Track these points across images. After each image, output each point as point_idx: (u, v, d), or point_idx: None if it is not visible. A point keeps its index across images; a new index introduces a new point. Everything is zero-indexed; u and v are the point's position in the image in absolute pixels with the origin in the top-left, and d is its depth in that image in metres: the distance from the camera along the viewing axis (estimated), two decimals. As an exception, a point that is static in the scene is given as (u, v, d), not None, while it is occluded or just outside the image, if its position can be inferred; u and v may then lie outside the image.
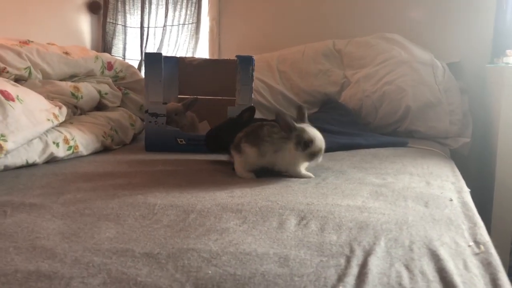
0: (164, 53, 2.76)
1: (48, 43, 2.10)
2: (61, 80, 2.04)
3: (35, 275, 0.75)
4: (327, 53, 2.72)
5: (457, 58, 2.66)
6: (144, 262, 0.80)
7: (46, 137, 1.62)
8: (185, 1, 3.15)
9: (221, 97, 2.18)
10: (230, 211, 1.09)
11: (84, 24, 3.22)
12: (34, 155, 1.57)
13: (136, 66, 3.00)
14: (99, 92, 2.15)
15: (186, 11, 3.15)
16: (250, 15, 3.10)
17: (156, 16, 3.21)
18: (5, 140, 1.41)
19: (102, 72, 2.24)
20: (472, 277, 0.79)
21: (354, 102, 2.45)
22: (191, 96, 2.10)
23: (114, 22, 3.25)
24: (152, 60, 1.97)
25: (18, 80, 1.86)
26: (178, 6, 3.16)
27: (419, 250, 0.88)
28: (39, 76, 1.95)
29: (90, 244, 0.88)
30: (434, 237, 0.94)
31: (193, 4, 3.14)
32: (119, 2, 3.24)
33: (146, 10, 3.20)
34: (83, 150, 1.77)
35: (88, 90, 2.07)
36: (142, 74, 2.54)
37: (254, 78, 1.97)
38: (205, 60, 2.33)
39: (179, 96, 2.25)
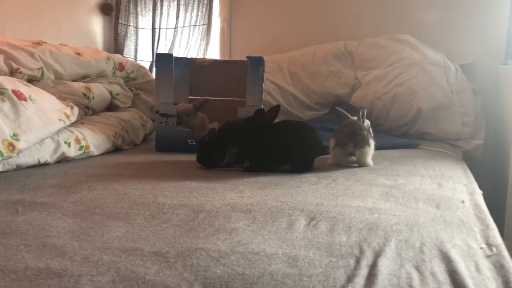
0: (175, 54, 2.77)
1: (61, 44, 2.12)
2: (73, 80, 2.05)
3: (44, 273, 0.75)
4: (338, 54, 2.72)
5: (470, 59, 2.63)
6: (153, 261, 0.80)
7: (58, 137, 1.63)
8: (196, 3, 3.16)
9: (231, 98, 2.18)
10: (239, 211, 1.09)
11: (96, 26, 3.24)
12: (46, 154, 1.58)
13: (147, 67, 3.01)
14: (111, 92, 2.16)
15: (197, 12, 3.16)
16: (261, 17, 3.10)
17: (168, 17, 3.22)
18: (18, 140, 1.42)
19: (114, 73, 2.25)
20: (484, 280, 0.78)
21: (365, 104, 2.44)
22: (202, 97, 2.11)
23: (126, 23, 3.27)
24: (163, 61, 1.98)
25: (31, 80, 1.88)
26: (190, 8, 3.17)
27: (430, 251, 0.87)
28: (52, 76, 1.97)
29: (99, 243, 0.88)
30: (445, 239, 0.93)
31: (204, 6, 3.15)
32: (131, 4, 3.26)
33: (158, 12, 3.22)
34: (94, 150, 1.78)
35: (99, 90, 2.08)
36: (153, 75, 2.55)
37: (264, 79, 1.97)
38: (215, 61, 2.34)
39: (189, 97, 2.26)
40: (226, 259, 0.81)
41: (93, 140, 1.78)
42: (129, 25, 3.28)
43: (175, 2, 3.19)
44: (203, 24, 3.16)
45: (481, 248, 0.91)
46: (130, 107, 2.29)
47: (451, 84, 2.38)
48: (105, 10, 3.27)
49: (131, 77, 2.36)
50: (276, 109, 1.68)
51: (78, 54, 2.10)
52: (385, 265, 0.80)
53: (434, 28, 2.74)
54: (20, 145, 1.43)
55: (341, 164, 1.69)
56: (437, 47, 2.64)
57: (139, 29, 3.28)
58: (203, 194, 1.25)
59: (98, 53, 2.25)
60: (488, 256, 0.87)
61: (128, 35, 3.28)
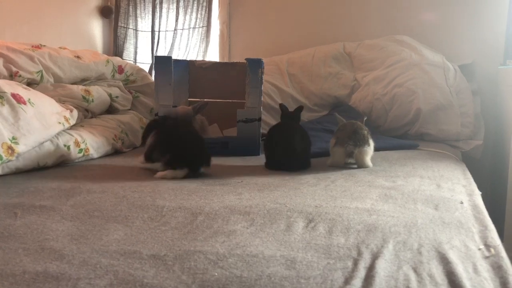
0: (174, 57, 2.77)
1: (60, 47, 2.13)
2: (72, 83, 2.06)
3: (42, 276, 0.75)
4: (337, 56, 2.72)
5: (469, 60, 2.63)
6: (151, 264, 0.81)
7: (57, 140, 1.63)
8: (195, 5, 3.17)
9: (230, 100, 2.19)
10: (238, 213, 1.09)
11: (96, 28, 3.25)
12: (45, 157, 1.58)
13: (147, 69, 3.02)
14: (110, 95, 2.17)
15: (197, 15, 3.17)
16: (260, 19, 3.11)
17: (167, 20, 3.23)
18: (17, 143, 1.43)
19: (113, 76, 2.26)
20: (482, 281, 0.78)
21: (364, 105, 2.44)
22: (202, 100, 2.11)
23: (125, 26, 3.28)
24: (162, 63, 1.98)
25: (30, 83, 1.88)
26: (189, 10, 3.18)
27: (428, 253, 0.87)
28: (51, 79, 1.97)
29: (98, 246, 0.89)
30: (444, 240, 0.93)
31: (204, 8, 3.16)
32: (131, 7, 3.27)
33: (157, 14, 3.22)
34: (93, 153, 1.78)
35: (99, 93, 2.09)
36: (153, 77, 2.55)
37: (263, 80, 1.97)
38: (215, 63, 2.34)
39: (189, 99, 2.26)
40: (224, 262, 0.81)
41: (92, 143, 1.79)
42: (129, 28, 3.28)
43: (175, 5, 3.19)
44: (202, 27, 3.16)
45: (480, 249, 0.91)
46: (129, 109, 2.30)
47: (450, 84, 2.38)
48: (105, 13, 3.28)
49: (131, 80, 2.36)
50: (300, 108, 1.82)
51: (78, 57, 2.10)
52: (383, 267, 0.80)
53: (433, 29, 2.75)
54: (20, 148, 1.43)
55: (340, 165, 1.70)
56: (436, 48, 2.64)
57: (139, 32, 3.28)
58: (201, 196, 1.25)
59: (97, 56, 2.26)
60: (486, 257, 0.87)
61: (128, 38, 3.28)
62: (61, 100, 1.87)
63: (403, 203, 1.20)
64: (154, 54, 3.21)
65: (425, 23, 2.75)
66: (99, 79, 2.21)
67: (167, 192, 1.29)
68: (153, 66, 3.10)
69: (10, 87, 1.55)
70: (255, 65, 1.95)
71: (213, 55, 3.20)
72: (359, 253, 0.86)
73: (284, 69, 2.72)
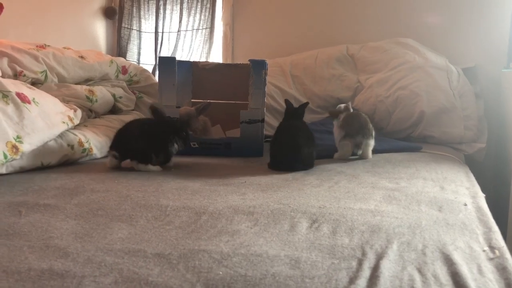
0: (178, 58, 2.78)
1: (64, 47, 2.13)
2: (76, 83, 2.07)
3: (48, 273, 0.75)
4: (340, 58, 2.72)
5: (472, 63, 2.63)
6: (156, 262, 0.81)
7: (61, 139, 1.64)
8: (199, 7, 3.17)
9: (234, 101, 2.19)
10: (241, 213, 1.09)
11: (100, 29, 3.26)
12: (49, 157, 1.59)
13: (150, 70, 3.02)
14: (114, 95, 2.17)
15: (200, 16, 3.18)
16: (263, 20, 3.11)
17: (171, 21, 3.23)
18: (21, 142, 1.43)
19: (117, 76, 2.27)
20: (486, 282, 0.77)
21: (367, 107, 2.44)
22: (205, 101, 2.11)
23: (129, 27, 3.29)
24: (166, 64, 1.99)
25: (35, 83, 1.89)
26: (192, 12, 3.19)
27: (432, 254, 0.87)
28: (55, 79, 1.98)
29: (102, 244, 0.89)
30: (448, 241, 0.93)
31: (207, 10, 3.17)
32: (134, 8, 3.28)
33: (161, 16, 3.23)
34: (97, 152, 1.78)
35: (102, 93, 2.09)
36: (156, 78, 2.56)
37: (267, 82, 1.98)
38: (218, 64, 2.35)
39: (192, 100, 2.26)
40: (228, 261, 0.81)
41: (96, 142, 1.79)
42: (132, 29, 3.29)
43: (178, 6, 3.20)
44: (206, 28, 3.17)
45: (484, 250, 0.91)
46: (133, 110, 2.30)
47: (454, 87, 2.38)
48: (109, 14, 3.29)
49: (134, 80, 2.37)
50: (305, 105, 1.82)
51: (82, 57, 2.11)
52: (387, 267, 0.80)
53: (436, 31, 2.75)
54: (24, 147, 1.44)
55: (347, 157, 1.84)
56: (440, 50, 2.64)
57: (142, 33, 3.29)
58: (205, 196, 1.25)
59: (101, 56, 2.26)
60: (490, 259, 0.87)
61: (131, 39, 3.29)
62: (65, 100, 1.88)
63: (407, 204, 1.20)
64: (158, 55, 3.22)
65: (429, 26, 2.76)
66: (103, 79, 2.21)
67: (170, 191, 1.29)
68: (157, 67, 3.11)
69: (15, 86, 1.56)
70: (259, 66, 1.95)
71: (217, 56, 3.20)
72: (364, 253, 0.86)
73: (287, 70, 2.73)
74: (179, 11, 3.20)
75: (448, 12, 2.73)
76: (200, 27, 3.18)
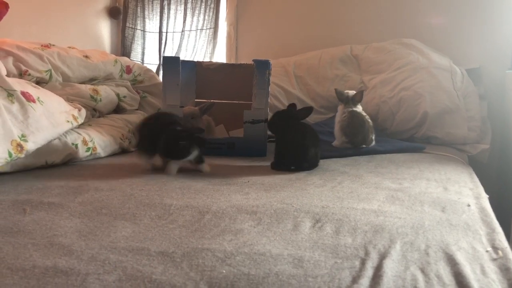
0: (182, 58, 2.78)
1: (69, 47, 2.14)
2: (80, 83, 2.07)
3: (52, 271, 0.76)
4: (344, 58, 2.72)
5: (477, 64, 2.62)
6: (159, 261, 0.81)
7: (65, 138, 1.64)
8: (203, 7, 3.18)
9: (237, 101, 2.19)
10: (245, 212, 1.10)
11: (104, 29, 3.27)
12: (54, 155, 1.60)
13: (154, 70, 3.03)
14: (118, 95, 2.18)
15: (204, 16, 3.18)
16: (267, 21, 3.11)
17: (175, 21, 3.24)
18: (26, 141, 1.44)
19: (121, 76, 2.27)
20: (489, 282, 0.78)
21: (371, 108, 2.44)
22: (208, 101, 2.11)
23: (133, 27, 3.30)
24: (170, 63, 1.99)
25: (39, 82, 1.90)
26: (196, 12, 3.19)
27: (435, 254, 0.87)
28: (59, 78, 1.98)
29: (106, 242, 0.89)
30: (451, 241, 0.93)
31: (211, 10, 3.17)
32: (139, 8, 3.29)
33: (165, 15, 3.24)
34: (101, 151, 1.79)
35: (107, 93, 2.10)
36: (160, 78, 2.57)
37: (270, 82, 1.98)
38: (222, 64, 2.35)
39: (196, 100, 2.27)
40: (231, 260, 0.82)
41: (100, 142, 1.80)
42: (137, 29, 3.30)
43: (182, 6, 3.21)
44: (210, 28, 3.18)
45: (487, 251, 0.91)
46: (137, 109, 2.31)
47: (457, 88, 2.37)
48: (113, 13, 3.30)
49: (138, 80, 2.37)
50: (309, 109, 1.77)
51: (86, 56, 2.11)
52: (390, 267, 0.80)
53: (440, 32, 2.74)
54: (28, 146, 1.44)
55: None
56: (443, 51, 2.64)
57: (146, 33, 3.30)
58: (208, 195, 1.25)
59: (105, 56, 2.27)
60: (494, 259, 0.87)
61: (136, 39, 3.30)
62: (69, 99, 1.89)
63: (410, 205, 1.20)
64: (162, 55, 3.23)
65: (433, 27, 2.75)
66: (107, 78, 2.22)
67: (174, 191, 1.30)
68: (161, 66, 3.12)
69: (20, 85, 1.56)
70: (263, 66, 1.95)
71: (220, 56, 3.21)
72: (367, 253, 0.86)
73: (291, 71, 2.73)
74: (183, 11, 3.21)
75: (452, 13, 2.72)
76: (204, 27, 3.19)
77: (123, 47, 3.30)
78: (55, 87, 1.93)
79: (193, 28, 3.20)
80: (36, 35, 2.56)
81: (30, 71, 1.84)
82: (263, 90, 1.95)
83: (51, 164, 1.59)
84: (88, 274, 0.75)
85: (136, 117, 2.16)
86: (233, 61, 3.12)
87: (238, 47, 3.17)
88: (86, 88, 2.01)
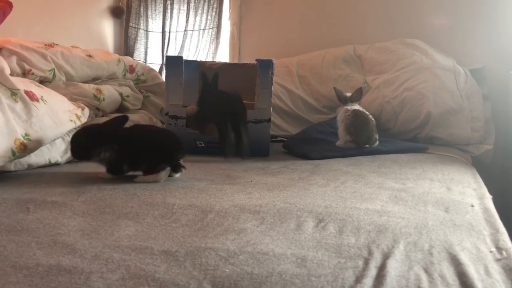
0: (184, 58, 2.79)
1: (72, 46, 2.14)
2: (84, 82, 2.08)
3: (55, 269, 0.76)
4: (347, 58, 2.72)
5: (480, 64, 2.62)
6: (162, 259, 0.81)
7: (69, 137, 1.64)
8: (206, 7, 3.18)
9: (240, 101, 2.19)
10: (248, 212, 1.10)
11: (107, 28, 3.28)
12: (57, 155, 1.60)
13: (157, 70, 3.03)
14: (121, 94, 2.18)
15: (207, 16, 3.19)
16: (270, 20, 3.11)
17: (178, 21, 3.25)
18: (29, 140, 1.44)
19: (124, 75, 2.27)
20: (493, 283, 0.77)
21: (374, 108, 2.44)
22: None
23: (136, 26, 3.30)
24: (173, 63, 2.00)
25: (43, 81, 1.90)
26: (199, 11, 3.20)
27: (439, 254, 0.87)
28: (63, 78, 1.99)
29: (109, 241, 0.89)
30: (455, 242, 0.93)
31: (214, 10, 3.17)
32: (142, 7, 3.29)
33: (168, 15, 3.24)
34: (104, 151, 1.79)
35: (110, 92, 2.10)
36: (163, 78, 2.57)
37: (273, 82, 1.98)
38: (225, 64, 2.35)
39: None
40: (235, 259, 0.82)
41: (103, 141, 1.80)
42: (140, 28, 3.31)
43: (185, 6, 3.22)
44: (212, 28, 3.18)
45: (491, 251, 0.90)
46: (140, 109, 2.31)
47: (461, 89, 2.37)
48: (116, 13, 3.30)
49: (141, 80, 2.38)
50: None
51: (89, 56, 2.12)
52: (394, 267, 0.80)
53: (444, 33, 2.74)
54: (32, 145, 1.45)
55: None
56: (447, 52, 2.63)
57: (149, 32, 3.31)
58: (211, 195, 1.25)
59: (108, 55, 2.27)
60: (497, 260, 0.87)
61: (139, 38, 3.30)
62: (72, 98, 1.89)
63: (413, 205, 1.20)
64: (164, 55, 3.23)
65: (437, 27, 2.75)
66: (110, 78, 2.22)
67: (177, 190, 1.30)
68: (164, 66, 3.12)
69: (23, 84, 1.57)
70: (266, 66, 1.95)
71: (223, 56, 3.21)
72: (370, 253, 0.86)
73: (294, 71, 2.73)
74: (186, 10, 3.21)
75: (456, 13, 2.72)
76: (207, 27, 3.19)
77: (126, 46, 3.30)
78: (59, 86, 1.93)
79: (196, 27, 3.21)
80: (40, 34, 2.56)
81: (33, 70, 1.85)
82: (266, 90, 1.95)
83: (54, 163, 1.60)
84: (91, 272, 0.75)
85: (139, 117, 2.17)
86: (236, 61, 3.12)
87: (241, 46, 3.17)
88: (90, 88, 2.01)
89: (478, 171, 1.82)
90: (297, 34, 3.04)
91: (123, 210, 1.10)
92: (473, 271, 0.80)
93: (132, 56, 3.23)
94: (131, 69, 2.31)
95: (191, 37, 3.21)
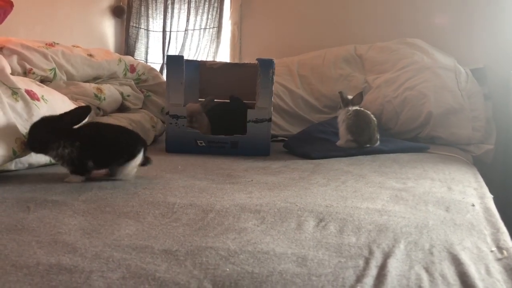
0: (185, 57, 2.79)
1: (73, 46, 2.14)
2: (84, 81, 2.08)
3: (56, 268, 0.76)
4: (348, 58, 2.72)
5: (481, 64, 2.61)
6: (163, 259, 0.81)
7: (69, 136, 1.64)
8: (206, 6, 3.18)
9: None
10: (248, 211, 1.10)
11: (108, 28, 3.28)
12: (57, 154, 1.60)
13: (157, 69, 3.03)
14: (122, 94, 2.18)
15: (208, 15, 3.18)
16: (271, 20, 3.11)
17: (178, 20, 3.25)
18: (30, 139, 1.44)
19: (125, 75, 2.27)
20: (494, 282, 0.77)
21: (375, 107, 2.43)
22: (208, 97, 2.12)
23: (137, 26, 3.30)
24: (174, 62, 1.99)
25: (44, 81, 1.90)
26: (200, 11, 3.19)
27: (440, 253, 0.86)
28: (64, 77, 1.99)
29: (110, 240, 0.89)
30: (455, 241, 0.93)
31: (215, 9, 3.17)
32: (142, 7, 3.29)
33: (169, 15, 3.24)
34: (104, 150, 1.79)
35: (111, 92, 2.10)
36: (164, 77, 2.57)
37: (274, 81, 1.97)
38: (226, 63, 2.35)
39: (199, 99, 2.27)
40: (235, 258, 0.81)
41: (103, 140, 1.80)
42: (140, 28, 3.30)
43: (186, 5, 3.21)
44: (213, 27, 3.18)
45: (492, 251, 0.90)
46: (140, 108, 2.31)
47: (462, 88, 2.37)
48: (117, 12, 3.30)
49: (142, 79, 2.38)
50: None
51: (90, 55, 2.12)
52: (395, 266, 0.80)
53: (445, 32, 2.73)
54: (33, 144, 1.45)
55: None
56: (448, 51, 2.63)
57: (150, 32, 3.31)
58: (212, 194, 1.25)
59: (109, 54, 2.27)
60: (498, 259, 0.87)
61: (139, 38, 3.30)
62: (73, 98, 1.89)
63: (414, 204, 1.20)
64: (165, 54, 3.23)
65: (437, 27, 2.75)
66: (111, 77, 2.22)
67: (177, 189, 1.30)
68: (164, 66, 3.12)
69: (24, 83, 1.57)
70: (266, 65, 1.95)
71: (224, 55, 3.21)
72: (371, 252, 0.86)
73: (295, 70, 2.73)
74: (186, 10, 3.21)
75: (457, 13, 2.72)
76: (208, 27, 3.19)
77: (127, 46, 3.30)
78: (60, 85, 1.93)
79: (197, 27, 3.20)
80: (41, 34, 2.56)
81: (34, 69, 1.85)
82: (267, 89, 1.95)
83: (55, 162, 1.59)
84: (92, 271, 0.75)
85: (140, 116, 2.17)
86: (236, 61, 3.12)
87: (241, 46, 3.17)
88: (90, 87, 2.02)
89: (479, 170, 1.81)
90: (298, 34, 3.04)
91: (123, 209, 1.10)
92: (474, 271, 0.80)
93: (133, 55, 3.22)
94: (132, 69, 2.31)
95: (192, 36, 3.21)
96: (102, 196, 1.21)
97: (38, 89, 1.62)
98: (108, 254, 0.82)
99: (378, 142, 2.04)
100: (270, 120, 1.96)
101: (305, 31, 3.02)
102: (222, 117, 2.11)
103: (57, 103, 1.66)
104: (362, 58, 2.71)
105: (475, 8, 2.68)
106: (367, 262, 0.82)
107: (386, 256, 0.84)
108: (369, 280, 0.75)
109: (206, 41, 3.19)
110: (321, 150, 1.95)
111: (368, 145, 2.00)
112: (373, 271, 0.78)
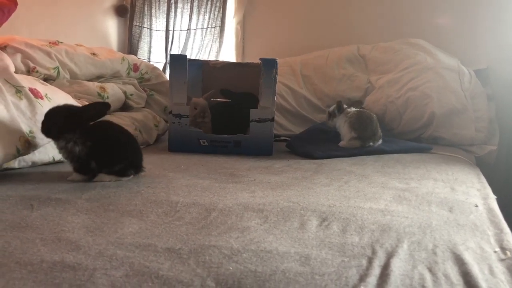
0: (188, 56, 2.79)
1: (77, 44, 2.15)
2: (88, 80, 2.08)
3: (60, 266, 0.76)
4: (351, 58, 2.71)
5: (484, 64, 2.61)
6: (166, 257, 0.81)
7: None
8: (209, 5, 3.18)
9: (244, 100, 2.19)
10: (251, 210, 1.10)
11: (111, 27, 3.28)
12: (61, 152, 1.60)
13: (160, 68, 3.03)
14: (125, 93, 2.19)
15: (210, 15, 3.19)
16: (274, 20, 3.11)
17: (181, 19, 3.25)
18: (34, 137, 1.44)
19: (128, 74, 2.28)
20: (498, 283, 0.77)
21: (378, 108, 2.43)
22: (210, 91, 2.14)
23: (140, 25, 3.30)
24: (177, 61, 2.00)
25: (47, 79, 1.91)
26: (203, 10, 3.20)
27: (443, 253, 0.86)
28: (67, 76, 1.99)
29: (113, 238, 0.89)
30: (459, 241, 0.93)
31: (217, 8, 3.17)
32: (146, 6, 3.30)
33: (172, 14, 3.24)
34: (107, 149, 1.79)
35: (114, 90, 2.10)
36: (167, 76, 2.57)
37: (277, 81, 1.97)
38: (229, 63, 2.35)
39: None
40: (238, 257, 0.82)
41: (106, 139, 1.80)
42: (143, 27, 3.31)
43: (189, 5, 3.22)
44: (216, 27, 3.18)
45: (495, 251, 0.90)
46: (143, 107, 2.31)
47: (465, 89, 2.36)
48: (120, 11, 3.31)
49: (145, 78, 2.38)
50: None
51: (94, 54, 2.12)
52: (398, 266, 0.80)
53: (448, 33, 2.73)
54: (36, 142, 1.45)
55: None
56: (451, 52, 2.62)
57: (153, 31, 3.31)
58: (215, 193, 1.25)
59: (113, 53, 2.28)
60: (502, 260, 0.87)
61: (142, 37, 3.31)
62: (76, 96, 1.89)
63: (417, 204, 1.19)
64: (168, 53, 3.23)
65: (441, 27, 2.74)
66: (114, 76, 2.22)
67: (180, 188, 1.30)
68: (167, 65, 3.12)
69: (28, 81, 1.57)
70: (269, 65, 1.95)
71: (226, 55, 3.21)
72: (374, 252, 0.86)
73: (298, 70, 2.72)
74: (189, 9, 3.21)
75: (460, 13, 2.71)
76: (210, 26, 3.19)
77: (130, 45, 3.31)
78: (63, 84, 1.93)
79: (199, 26, 3.21)
80: (44, 32, 2.57)
81: (38, 68, 1.85)
82: (270, 89, 1.95)
83: (58, 161, 1.60)
84: (95, 269, 0.75)
85: (143, 115, 2.17)
86: (239, 60, 3.12)
87: (245, 46, 3.17)
88: (94, 86, 2.02)
89: (482, 171, 1.81)
90: (301, 34, 3.03)
91: (126, 207, 1.10)
92: (477, 271, 0.79)
93: (136, 54, 3.23)
94: (135, 68, 2.31)
95: (195, 35, 3.21)
96: (105, 194, 1.21)
97: (42, 87, 1.62)
98: (111, 252, 0.82)
99: (381, 140, 2.04)
100: (273, 119, 1.96)
101: (308, 31, 3.02)
102: (222, 114, 2.12)
103: (60, 102, 1.65)
104: (365, 58, 2.71)
105: (478, 9, 2.67)
106: (370, 261, 0.82)
107: (389, 256, 0.84)
108: (372, 279, 0.75)
109: (209, 41, 3.19)
110: (324, 150, 1.95)
111: (371, 143, 2.00)
112: (376, 271, 0.78)
